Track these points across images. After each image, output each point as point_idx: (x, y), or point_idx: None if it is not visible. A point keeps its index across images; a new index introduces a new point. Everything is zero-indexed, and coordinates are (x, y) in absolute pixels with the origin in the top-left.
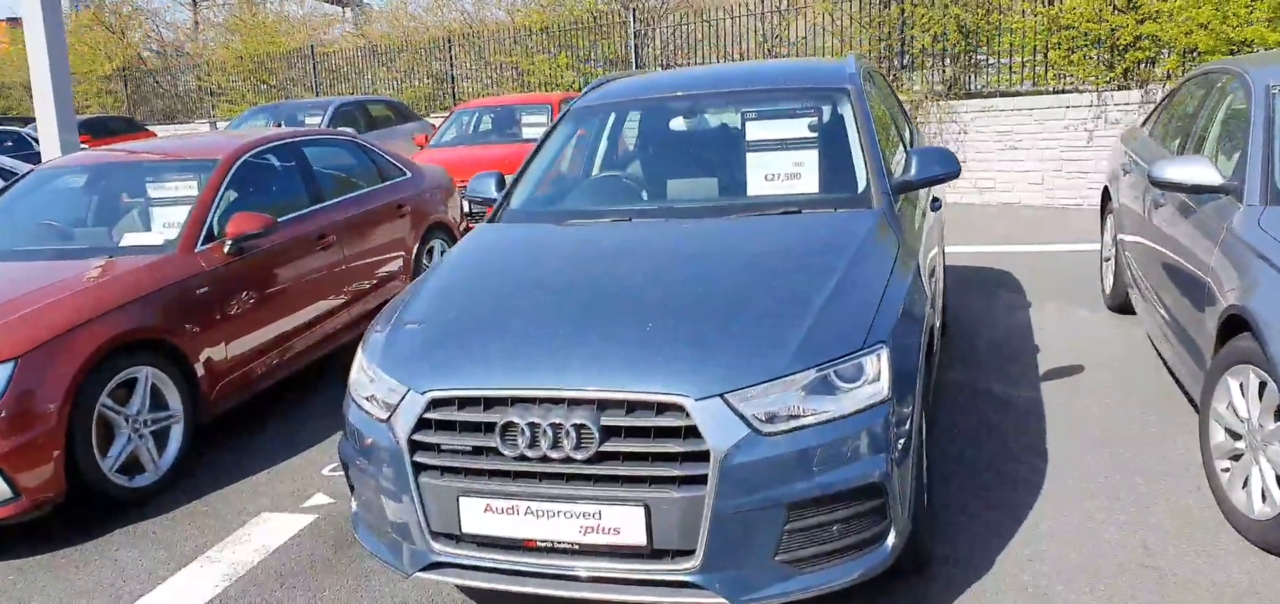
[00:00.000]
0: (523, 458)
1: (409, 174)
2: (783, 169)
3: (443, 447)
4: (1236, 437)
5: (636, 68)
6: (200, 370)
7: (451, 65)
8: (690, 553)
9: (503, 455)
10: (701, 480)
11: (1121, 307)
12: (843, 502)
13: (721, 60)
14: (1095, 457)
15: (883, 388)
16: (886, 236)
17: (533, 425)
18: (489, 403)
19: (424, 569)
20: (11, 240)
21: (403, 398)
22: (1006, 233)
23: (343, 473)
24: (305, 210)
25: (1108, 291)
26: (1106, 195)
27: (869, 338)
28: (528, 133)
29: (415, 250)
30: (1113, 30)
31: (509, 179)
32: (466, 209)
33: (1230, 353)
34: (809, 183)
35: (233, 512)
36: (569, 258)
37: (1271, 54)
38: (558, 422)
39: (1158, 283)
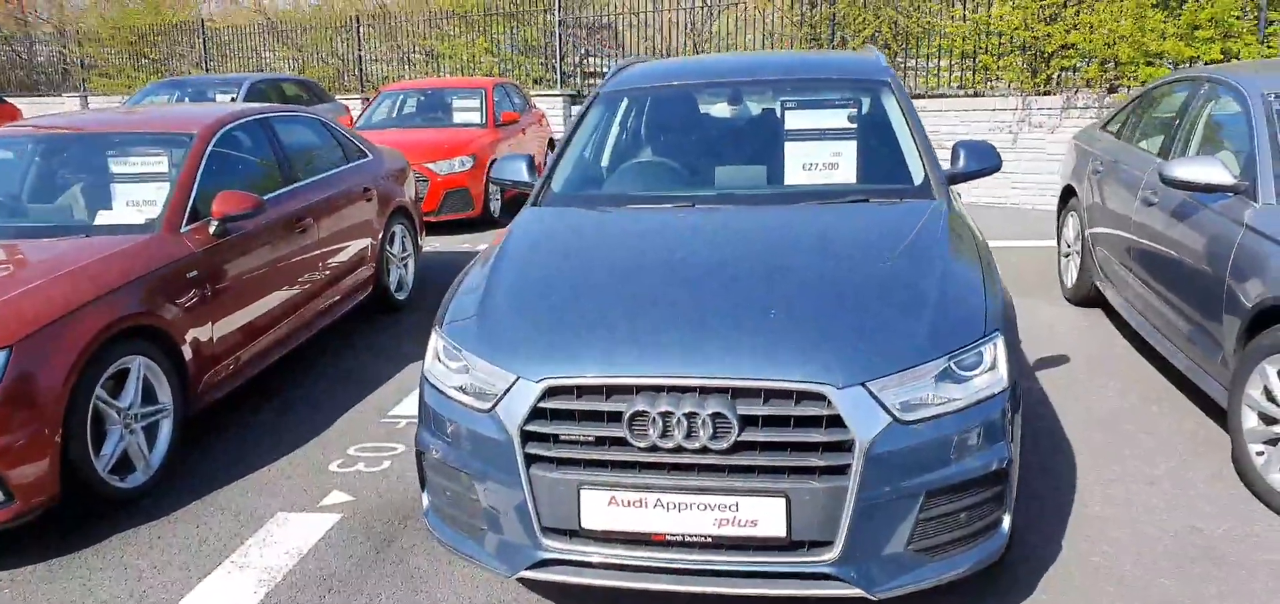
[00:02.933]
0: (654, 448)
1: (370, 155)
2: (823, 158)
3: (560, 437)
4: (1271, 422)
5: (560, 58)
6: (189, 360)
7: (359, 46)
8: (828, 544)
9: (631, 446)
10: (844, 470)
11: (1085, 300)
12: (971, 489)
13: (647, 51)
14: (1115, 442)
15: (1001, 375)
16: (962, 227)
17: (665, 415)
18: (611, 391)
19: (531, 568)
20: None
21: (511, 386)
22: None
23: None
24: (282, 191)
25: (1069, 285)
26: (1067, 194)
27: (987, 326)
28: (460, 117)
29: (381, 236)
30: (1038, 39)
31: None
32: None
33: (1271, 341)
34: (855, 173)
35: (243, 512)
36: (651, 243)
37: (1247, 64)
38: (693, 411)
39: (1152, 277)
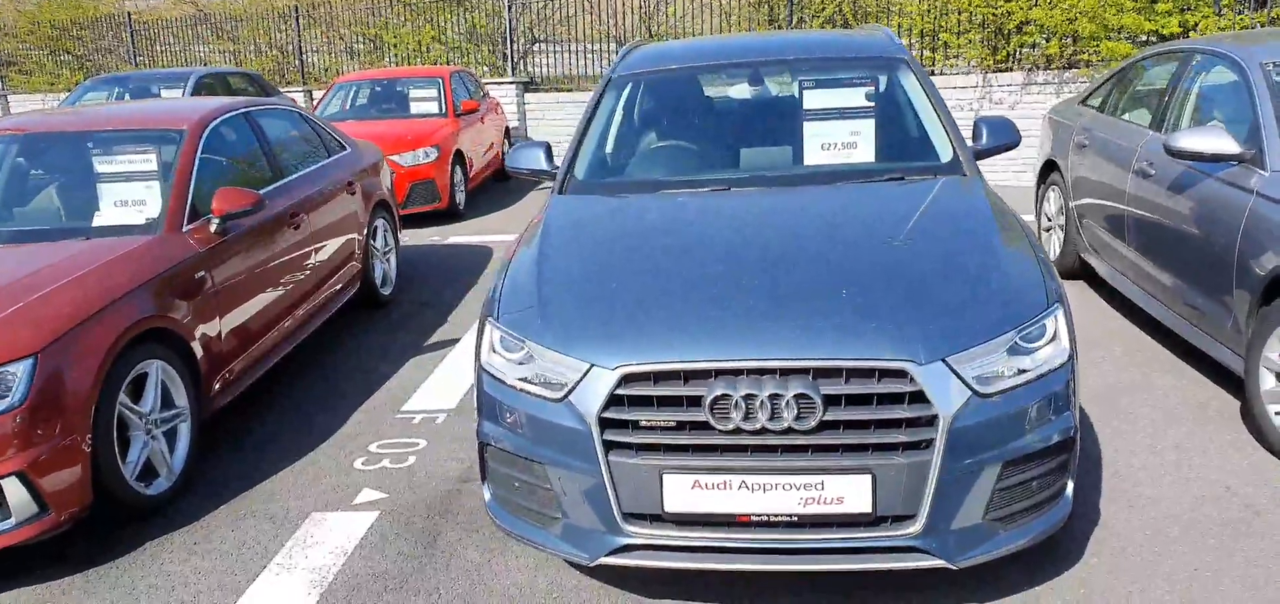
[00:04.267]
0: (738, 431)
1: (349, 148)
2: (842, 138)
3: (641, 423)
4: None
5: (511, 44)
6: (202, 363)
7: (299, 37)
8: (911, 517)
9: (714, 429)
10: (927, 445)
11: (1069, 272)
12: (1042, 458)
13: (601, 35)
14: (1126, 411)
15: (1064, 346)
16: (1000, 203)
17: (748, 397)
18: (689, 376)
19: (613, 553)
20: None
21: (585, 375)
22: None
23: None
24: (274, 186)
25: (1053, 258)
26: (1048, 168)
27: (1049, 298)
28: (418, 107)
29: (366, 230)
30: (999, 15)
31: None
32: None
33: None
34: (875, 151)
35: (276, 515)
36: (700, 227)
37: (1237, 35)
38: (776, 392)
39: (1150, 247)
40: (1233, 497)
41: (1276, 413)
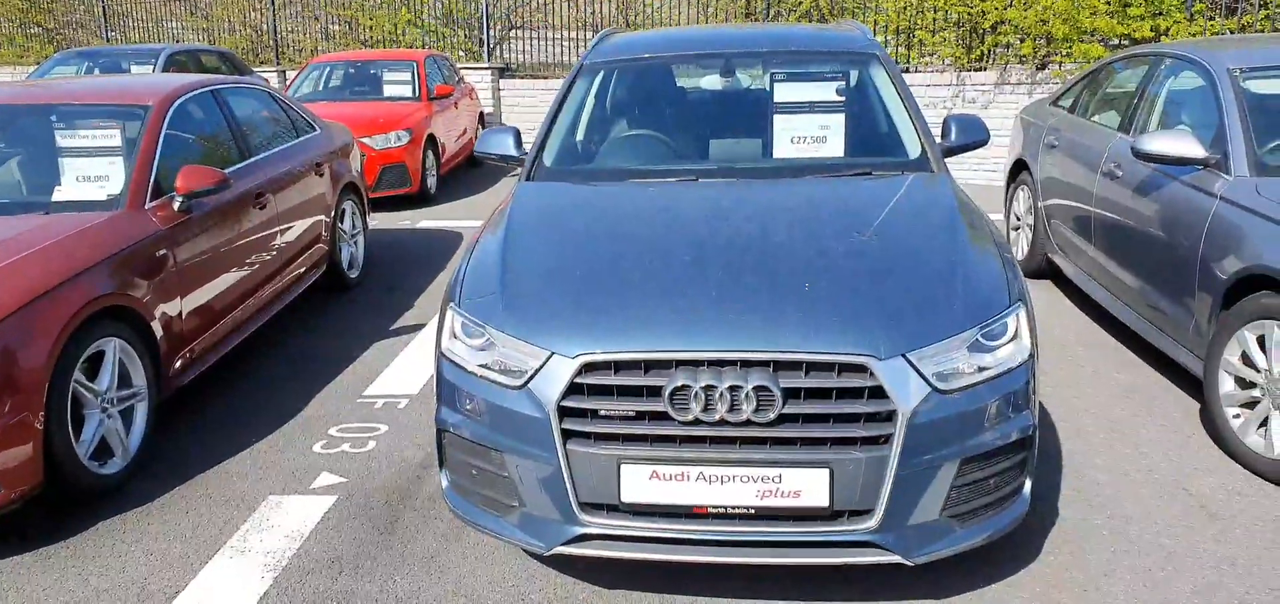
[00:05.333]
0: (697, 422)
1: (318, 129)
2: (813, 132)
3: (599, 412)
4: (1247, 385)
5: (487, 29)
6: (162, 342)
7: (274, 16)
8: (868, 512)
9: (673, 419)
10: (885, 440)
11: (1036, 272)
12: (1001, 455)
13: (578, 24)
14: (1088, 409)
15: (1025, 344)
16: (966, 200)
17: (708, 389)
18: (650, 366)
19: (569, 542)
20: None
21: (545, 363)
22: None
23: (324, 450)
24: (240, 165)
25: (1021, 257)
26: (1018, 168)
27: (1011, 297)
28: (391, 90)
29: (334, 212)
30: (974, 14)
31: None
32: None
33: (1251, 308)
34: (844, 146)
35: (232, 497)
36: (667, 217)
37: (1205, 41)
38: (736, 384)
39: (1116, 249)
40: (1190, 497)
41: (1235, 416)
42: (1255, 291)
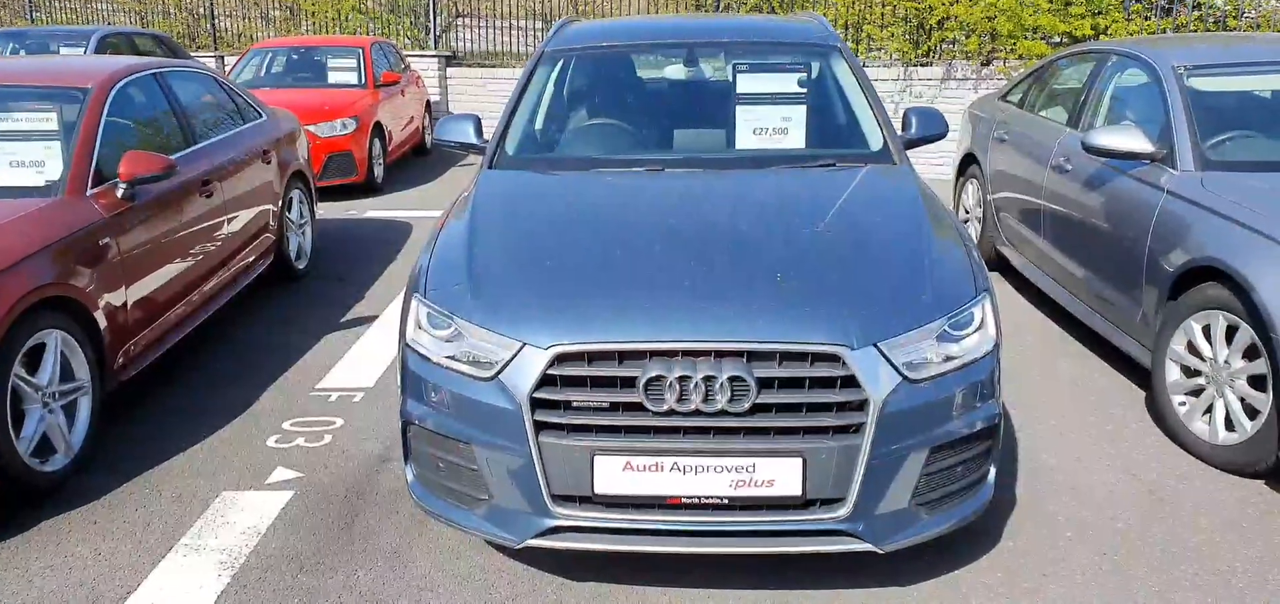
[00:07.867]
0: (672, 412)
1: (264, 116)
2: (774, 123)
3: (573, 404)
4: (1192, 374)
5: (433, 16)
6: (106, 334)
7: (212, 1)
8: (840, 501)
9: (647, 411)
10: (857, 429)
11: (985, 263)
12: (968, 444)
13: (524, 12)
14: (1038, 397)
15: (991, 334)
16: (929, 192)
17: (682, 379)
18: (624, 356)
19: (541, 535)
20: None
21: (516, 354)
22: None
23: (294, 442)
24: (185, 152)
25: None
26: (967, 161)
27: (977, 287)
28: (336, 77)
29: (281, 201)
30: (922, 10)
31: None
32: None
33: (1196, 299)
34: (805, 137)
35: (184, 493)
36: (634, 207)
37: (1152, 39)
38: (710, 374)
39: (1065, 241)
40: (1138, 481)
41: (1181, 404)
42: (1201, 283)
